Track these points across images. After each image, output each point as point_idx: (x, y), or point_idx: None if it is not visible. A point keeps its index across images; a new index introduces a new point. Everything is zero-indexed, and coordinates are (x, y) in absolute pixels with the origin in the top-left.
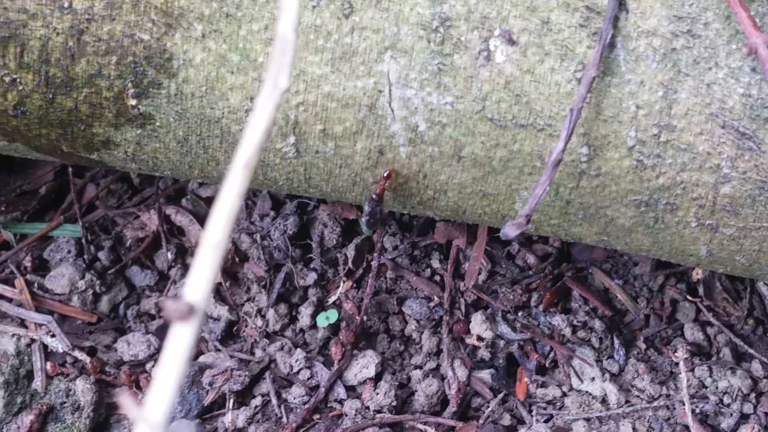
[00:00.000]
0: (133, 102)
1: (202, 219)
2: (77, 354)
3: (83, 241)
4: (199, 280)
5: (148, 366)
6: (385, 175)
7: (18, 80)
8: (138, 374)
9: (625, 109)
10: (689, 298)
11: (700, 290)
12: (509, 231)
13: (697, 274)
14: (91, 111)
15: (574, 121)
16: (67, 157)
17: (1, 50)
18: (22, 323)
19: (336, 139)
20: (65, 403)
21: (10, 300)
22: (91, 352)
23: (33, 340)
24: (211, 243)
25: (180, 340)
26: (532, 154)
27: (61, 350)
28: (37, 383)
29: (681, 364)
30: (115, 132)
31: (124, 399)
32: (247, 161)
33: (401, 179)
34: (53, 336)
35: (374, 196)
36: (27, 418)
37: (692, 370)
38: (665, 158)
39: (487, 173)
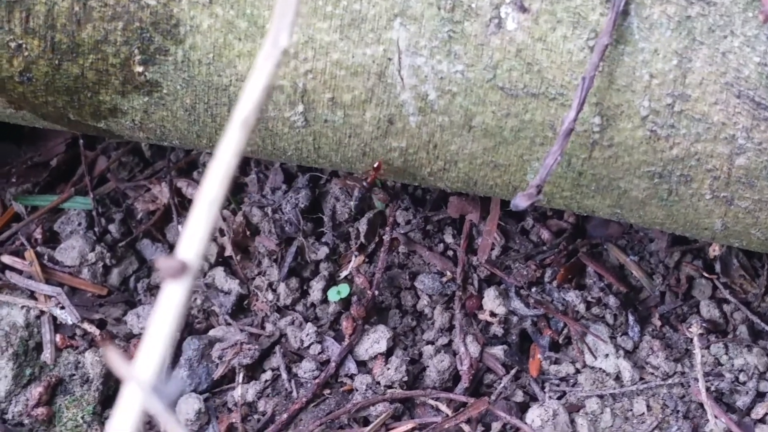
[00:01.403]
0: (140, 69)
1: None
2: (87, 326)
3: (94, 213)
4: (193, 238)
5: None
6: (375, 166)
7: (24, 46)
8: None
9: (638, 78)
10: (706, 274)
11: (717, 267)
12: (520, 202)
13: (714, 251)
14: (97, 78)
15: (586, 90)
16: (74, 126)
17: (6, 15)
18: (32, 295)
19: (345, 108)
20: (74, 375)
21: (20, 272)
22: (101, 324)
23: (42, 312)
24: (207, 200)
25: (172, 297)
26: (543, 124)
27: (70, 322)
28: (47, 355)
29: (695, 340)
30: (122, 100)
31: (111, 356)
32: (245, 119)
33: (411, 149)
34: (63, 308)
35: (365, 184)
36: (36, 390)
37: (708, 347)
38: (679, 129)
39: (498, 143)
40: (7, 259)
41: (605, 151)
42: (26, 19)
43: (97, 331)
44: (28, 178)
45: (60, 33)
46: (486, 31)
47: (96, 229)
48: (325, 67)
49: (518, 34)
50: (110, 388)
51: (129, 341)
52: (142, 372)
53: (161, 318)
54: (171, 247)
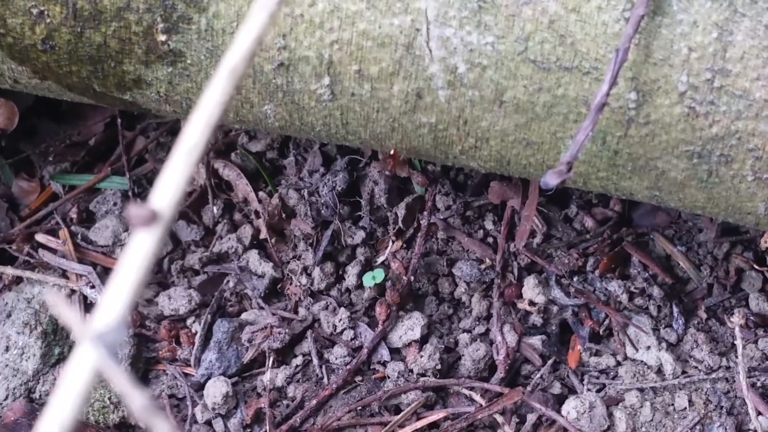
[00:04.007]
0: (163, 38)
1: (250, 174)
2: None
3: (130, 193)
4: (168, 186)
5: (189, 321)
6: (392, 153)
7: (45, 12)
8: (179, 329)
9: (676, 52)
10: (756, 267)
11: None
12: (550, 179)
13: (766, 242)
14: (120, 47)
15: (619, 63)
16: (100, 98)
17: None
18: (64, 274)
19: (372, 81)
20: None
21: (53, 251)
22: (132, 305)
23: (73, 291)
24: (185, 148)
25: (140, 247)
26: (577, 99)
27: (100, 302)
28: (76, 335)
29: (737, 330)
30: (145, 70)
31: (53, 299)
32: (234, 67)
33: (441, 125)
34: (93, 287)
35: (387, 173)
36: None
37: (756, 341)
38: (719, 105)
39: (530, 120)
40: (41, 237)
41: (642, 129)
42: None
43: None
44: (66, 156)
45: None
46: (518, 1)
47: None
48: (352, 37)
49: (551, 4)
50: (139, 369)
51: (159, 322)
52: (100, 324)
53: (127, 268)
54: (206, 229)
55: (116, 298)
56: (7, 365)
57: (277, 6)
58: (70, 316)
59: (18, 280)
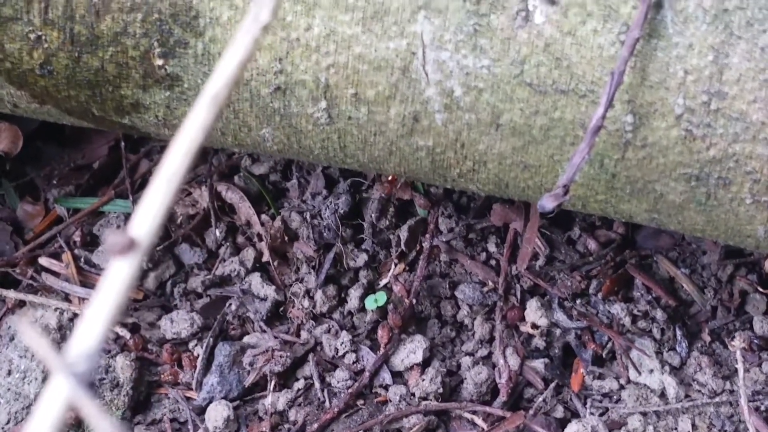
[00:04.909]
0: (160, 62)
1: (253, 197)
2: (119, 330)
3: (132, 218)
4: (147, 214)
5: (191, 344)
6: (390, 179)
7: (43, 37)
8: (180, 353)
9: (672, 75)
10: (760, 289)
11: None
12: (546, 203)
13: None
14: (117, 71)
15: (615, 85)
16: (100, 122)
17: (25, 6)
18: (66, 297)
19: (369, 104)
20: (104, 379)
21: (56, 274)
22: (134, 329)
23: (75, 315)
24: (165, 175)
25: (117, 276)
26: (574, 122)
27: None
28: None
29: (738, 354)
30: (143, 94)
31: (24, 328)
32: (216, 93)
33: (438, 149)
34: None
35: (383, 195)
36: None
37: (759, 365)
38: (716, 128)
39: (527, 143)
40: (45, 261)
41: (639, 152)
42: (45, 9)
43: (128, 335)
44: (70, 180)
45: (79, 24)
46: (513, 25)
47: None
48: (348, 61)
49: (546, 27)
50: (141, 393)
51: (162, 346)
52: (75, 355)
53: (103, 297)
54: (209, 252)
55: (92, 326)
56: (9, 389)
57: (261, 31)
58: (41, 344)
59: (21, 303)
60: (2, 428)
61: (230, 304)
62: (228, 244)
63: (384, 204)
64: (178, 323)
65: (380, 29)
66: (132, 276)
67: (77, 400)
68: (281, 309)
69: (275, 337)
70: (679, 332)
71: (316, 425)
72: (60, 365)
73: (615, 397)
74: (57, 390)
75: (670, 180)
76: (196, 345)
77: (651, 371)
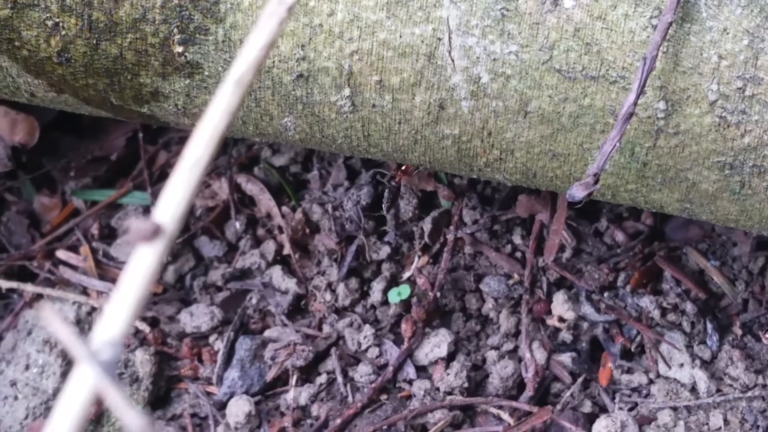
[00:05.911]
0: (180, 49)
1: (273, 188)
2: (138, 324)
3: (152, 209)
4: (171, 200)
5: (211, 338)
6: (403, 168)
7: (61, 24)
8: (200, 347)
9: (706, 60)
10: None
11: None
12: (576, 192)
13: None
14: (136, 59)
15: (647, 71)
16: (118, 112)
17: None
18: (84, 291)
19: (393, 92)
20: (123, 374)
21: (74, 267)
22: (154, 323)
23: (94, 309)
24: (189, 162)
25: (142, 263)
26: (604, 109)
27: None
28: None
29: None
30: (163, 82)
31: (47, 315)
32: (240, 77)
33: (465, 137)
34: None
35: (394, 183)
36: None
37: None
38: (751, 115)
39: (556, 131)
40: (62, 254)
41: (671, 140)
42: None
43: (148, 329)
44: (87, 172)
45: (97, 11)
46: (541, 9)
47: None
48: (372, 47)
49: (576, 12)
50: (160, 388)
51: (181, 340)
52: (99, 345)
53: (128, 285)
54: (229, 245)
55: (117, 314)
56: (27, 384)
57: (287, 13)
58: (65, 332)
59: (38, 297)
60: (20, 424)
61: (251, 298)
62: (248, 236)
63: (395, 193)
64: (198, 317)
65: (405, 14)
66: (157, 263)
67: (102, 389)
68: (303, 302)
69: (297, 331)
70: (709, 325)
71: (338, 420)
72: (84, 354)
73: (644, 391)
74: (82, 379)
75: (703, 168)
76: (216, 339)
77: (681, 365)
